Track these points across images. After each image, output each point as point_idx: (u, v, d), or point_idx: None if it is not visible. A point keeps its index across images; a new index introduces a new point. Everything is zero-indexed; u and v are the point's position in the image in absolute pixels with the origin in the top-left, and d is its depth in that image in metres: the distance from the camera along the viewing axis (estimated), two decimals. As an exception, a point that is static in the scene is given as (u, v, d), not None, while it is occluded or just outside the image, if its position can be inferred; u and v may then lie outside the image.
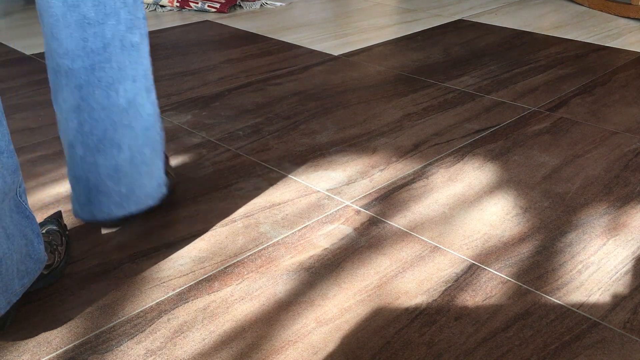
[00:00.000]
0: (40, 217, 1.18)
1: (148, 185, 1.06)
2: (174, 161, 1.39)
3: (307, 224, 1.15)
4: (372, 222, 1.15)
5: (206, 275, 1.02)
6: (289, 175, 1.33)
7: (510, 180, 1.29)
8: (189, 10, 2.82)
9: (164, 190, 1.09)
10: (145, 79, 0.99)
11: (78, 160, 1.00)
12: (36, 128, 1.58)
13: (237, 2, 2.89)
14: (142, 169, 1.03)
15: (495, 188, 1.26)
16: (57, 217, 1.09)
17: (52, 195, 1.26)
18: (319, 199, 1.23)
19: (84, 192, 1.02)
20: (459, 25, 2.49)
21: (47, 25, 0.92)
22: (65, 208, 1.21)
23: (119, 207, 1.04)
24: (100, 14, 0.90)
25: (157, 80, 1.91)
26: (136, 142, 1.01)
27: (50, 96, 0.96)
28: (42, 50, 2.22)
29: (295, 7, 2.91)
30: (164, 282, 1.00)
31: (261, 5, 2.91)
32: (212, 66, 2.04)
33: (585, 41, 2.23)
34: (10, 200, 0.84)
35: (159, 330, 0.90)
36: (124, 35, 0.93)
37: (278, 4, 2.94)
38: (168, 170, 1.19)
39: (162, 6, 2.82)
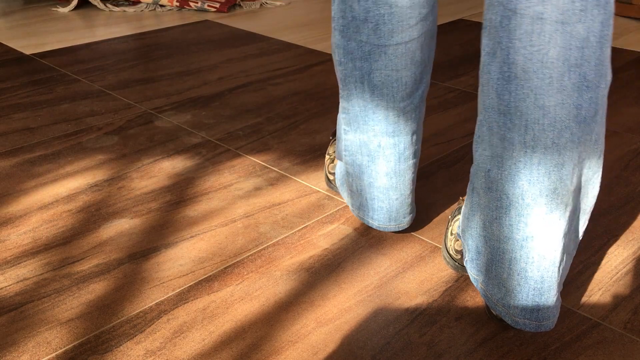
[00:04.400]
0: (38, 218, 1.18)
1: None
2: (174, 161, 1.39)
3: (307, 224, 1.15)
4: (372, 222, 1.15)
5: (206, 276, 1.02)
6: (289, 175, 1.32)
7: (510, 180, 1.29)
8: (189, 9, 2.81)
9: None
10: (602, 157, 0.80)
11: (535, 257, 0.80)
12: (36, 128, 1.58)
13: (237, 2, 2.88)
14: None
15: (496, 188, 1.26)
16: None
17: (52, 195, 1.26)
18: (319, 199, 1.23)
19: (530, 295, 0.82)
20: (459, 25, 2.48)
21: (527, 89, 0.72)
22: (65, 208, 1.21)
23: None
24: (598, 75, 0.72)
25: (157, 80, 1.91)
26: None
27: (497, 173, 0.79)
28: (41, 50, 2.22)
29: (295, 6, 2.90)
30: (164, 282, 1.00)
31: (261, 4, 2.91)
32: (212, 66, 2.04)
33: (586, 41, 2.23)
34: None
35: (158, 331, 0.90)
36: (604, 100, 0.74)
37: (278, 3, 2.94)
38: None
39: (162, 6, 2.82)
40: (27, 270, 1.03)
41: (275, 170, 1.35)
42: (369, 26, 0.90)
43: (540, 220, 0.77)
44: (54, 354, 0.86)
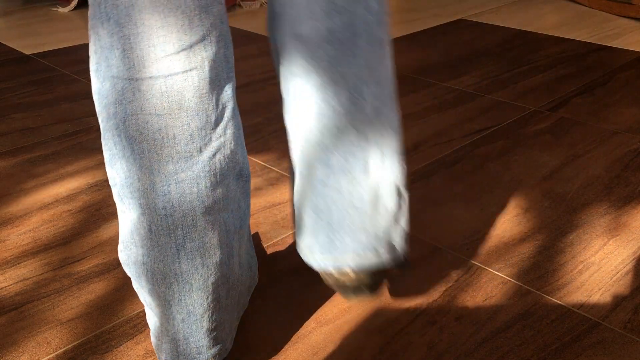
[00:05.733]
0: (38, 218, 1.18)
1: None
2: (174, 161, 1.39)
3: (307, 224, 1.15)
4: (372, 222, 1.15)
5: (206, 276, 1.02)
6: (289, 175, 1.32)
7: (510, 180, 1.29)
8: (189, 10, 2.81)
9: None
10: (391, 83, 0.81)
11: (318, 186, 0.79)
12: (36, 128, 1.58)
13: (237, 2, 2.88)
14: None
15: (496, 188, 1.26)
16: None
17: (52, 195, 1.26)
18: (319, 199, 1.23)
19: (323, 229, 0.81)
20: (459, 25, 2.48)
21: (284, 21, 0.77)
22: (65, 208, 1.21)
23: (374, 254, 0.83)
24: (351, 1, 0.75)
25: (156, 80, 1.91)
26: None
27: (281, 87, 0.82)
28: (41, 50, 2.22)
29: (295, 6, 2.90)
30: (163, 283, 1.00)
31: (261, 4, 2.91)
32: (212, 66, 2.04)
33: (586, 41, 2.23)
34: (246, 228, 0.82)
35: (158, 331, 0.90)
36: (366, 25, 0.76)
37: (278, 3, 2.93)
38: None
39: (162, 6, 2.82)
40: (27, 270, 1.03)
41: (275, 170, 1.35)
42: (116, 54, 0.66)
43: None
44: (54, 354, 0.86)
